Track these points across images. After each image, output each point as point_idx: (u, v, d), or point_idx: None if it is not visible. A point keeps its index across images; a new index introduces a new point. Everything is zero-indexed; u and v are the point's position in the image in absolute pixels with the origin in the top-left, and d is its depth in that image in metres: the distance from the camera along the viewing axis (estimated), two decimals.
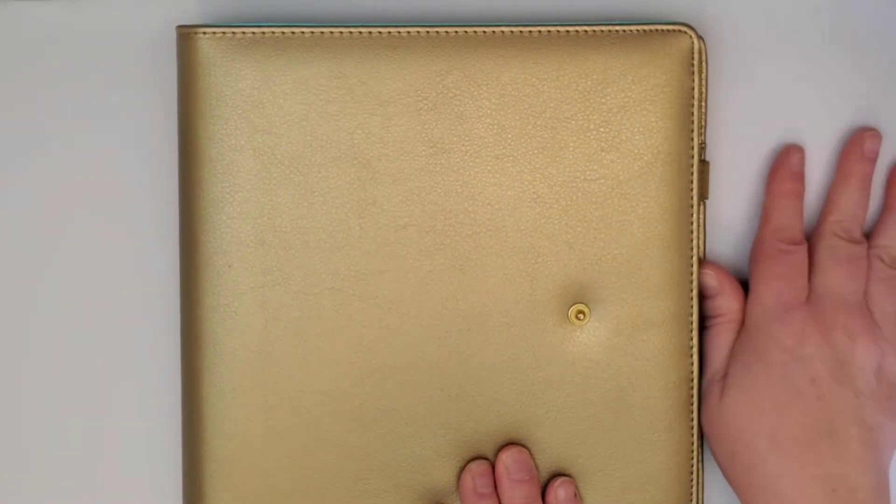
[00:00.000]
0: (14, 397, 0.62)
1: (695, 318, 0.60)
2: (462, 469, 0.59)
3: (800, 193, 0.61)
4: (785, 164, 0.61)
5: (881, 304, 0.60)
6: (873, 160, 0.61)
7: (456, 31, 0.58)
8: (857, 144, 0.61)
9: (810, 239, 0.61)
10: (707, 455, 0.62)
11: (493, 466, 0.59)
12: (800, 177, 0.61)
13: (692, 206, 0.59)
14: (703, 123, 0.59)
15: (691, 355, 0.60)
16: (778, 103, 0.62)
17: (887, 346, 0.59)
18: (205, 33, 0.58)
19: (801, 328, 0.59)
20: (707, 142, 0.61)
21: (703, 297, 0.61)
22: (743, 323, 0.60)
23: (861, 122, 0.62)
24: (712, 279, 0.61)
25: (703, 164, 0.59)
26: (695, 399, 0.60)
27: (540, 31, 0.58)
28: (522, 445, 0.59)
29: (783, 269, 0.60)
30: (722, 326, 0.61)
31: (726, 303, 0.61)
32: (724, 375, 0.60)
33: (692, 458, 0.60)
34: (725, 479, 0.60)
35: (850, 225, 0.60)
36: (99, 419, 0.62)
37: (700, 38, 0.59)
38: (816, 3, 0.62)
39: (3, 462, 0.62)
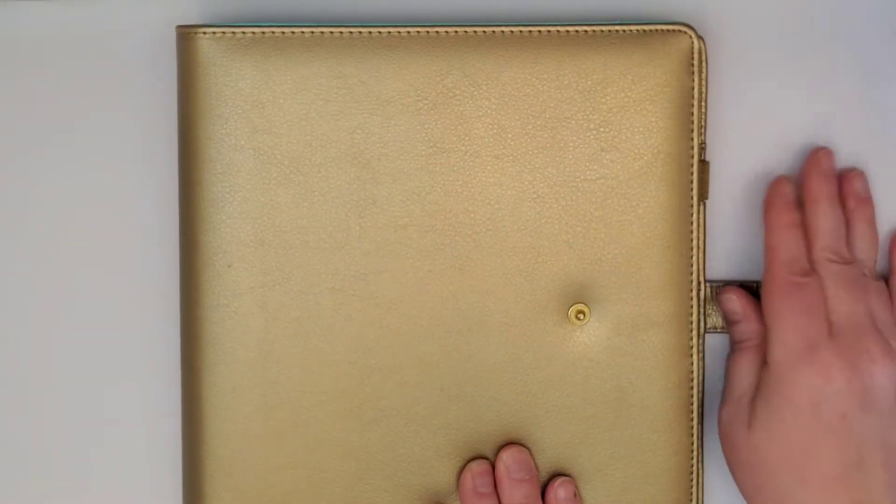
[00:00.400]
0: (14, 397, 0.62)
1: (695, 318, 0.60)
2: (462, 469, 0.59)
3: (799, 223, 0.60)
4: (779, 194, 0.61)
5: (882, 318, 0.60)
6: (834, 177, 0.61)
7: (456, 31, 0.58)
8: (816, 165, 0.61)
9: None
10: (707, 455, 0.62)
11: (493, 466, 0.59)
12: (795, 205, 0.61)
13: (692, 206, 0.59)
14: (703, 123, 0.59)
15: (691, 355, 0.60)
16: (778, 103, 0.62)
17: None
18: (205, 33, 0.58)
19: (828, 365, 0.58)
20: (707, 142, 0.61)
21: (727, 321, 0.61)
22: (765, 360, 0.60)
23: (860, 120, 0.62)
24: (735, 304, 0.60)
25: (703, 163, 0.59)
26: (695, 399, 0.60)
27: (540, 31, 0.58)
28: (522, 445, 0.59)
29: (801, 304, 0.59)
30: (748, 350, 0.60)
31: (751, 327, 0.60)
32: (751, 401, 0.60)
33: (692, 458, 0.60)
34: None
35: (837, 246, 0.60)
36: (99, 419, 0.62)
37: (700, 37, 0.59)
38: (816, 3, 0.62)
39: (2, 462, 0.62)
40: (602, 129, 0.59)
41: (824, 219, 0.60)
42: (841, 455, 0.58)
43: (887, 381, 0.58)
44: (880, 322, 0.60)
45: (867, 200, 0.61)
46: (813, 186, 0.61)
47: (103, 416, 0.62)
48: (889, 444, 0.58)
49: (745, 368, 0.60)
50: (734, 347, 0.61)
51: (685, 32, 0.59)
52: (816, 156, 0.61)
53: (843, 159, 0.62)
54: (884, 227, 0.62)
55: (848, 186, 0.61)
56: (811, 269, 0.60)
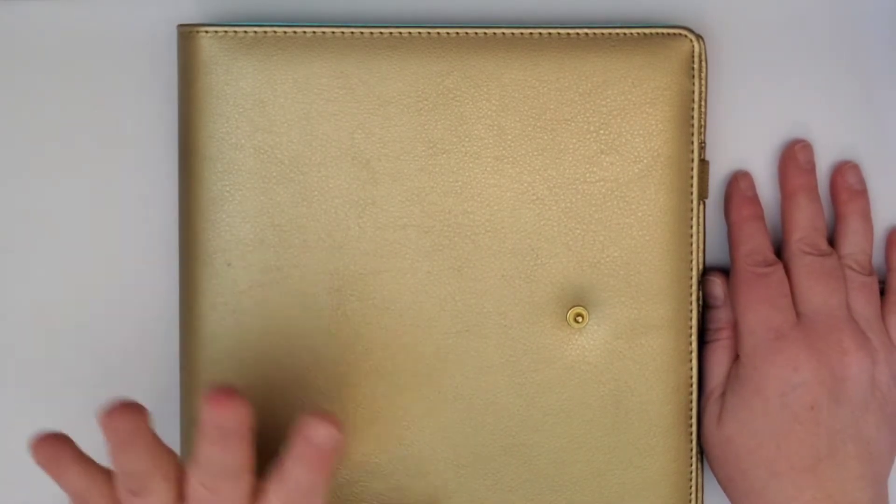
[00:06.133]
0: (14, 398, 0.62)
1: (694, 322, 0.60)
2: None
3: (759, 215, 0.61)
4: (736, 190, 0.61)
5: (863, 312, 0.60)
6: (812, 170, 0.61)
7: (457, 32, 0.58)
8: (793, 159, 0.61)
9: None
10: (706, 461, 0.61)
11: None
12: (754, 200, 0.61)
13: (692, 208, 0.59)
14: (703, 123, 0.59)
15: (690, 360, 0.60)
16: (778, 103, 0.62)
17: (877, 355, 0.59)
18: (206, 32, 0.58)
19: (795, 355, 0.58)
20: (707, 141, 0.61)
21: (704, 305, 0.61)
22: (737, 352, 0.60)
23: (858, 119, 0.62)
24: (718, 288, 0.60)
25: (703, 163, 0.59)
26: (694, 404, 0.60)
27: (541, 34, 0.58)
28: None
29: (765, 293, 0.59)
30: (722, 343, 0.60)
31: (727, 314, 0.60)
32: (722, 396, 0.60)
33: (691, 464, 0.60)
34: (726, 496, 0.60)
35: (814, 238, 0.60)
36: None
37: (701, 40, 0.59)
38: (815, 4, 0.62)
39: (2, 462, 0.62)
40: (602, 132, 0.59)
41: (801, 212, 0.61)
42: (810, 447, 0.58)
43: (861, 374, 0.58)
44: (859, 315, 0.60)
45: (861, 193, 0.61)
46: (789, 179, 0.61)
47: None
48: (864, 436, 0.58)
49: (718, 362, 0.60)
50: (709, 338, 0.61)
51: (685, 35, 0.59)
52: (793, 149, 0.61)
53: (842, 159, 0.63)
54: (882, 227, 0.63)
55: (841, 180, 0.61)
56: (775, 260, 0.60)
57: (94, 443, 0.63)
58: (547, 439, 0.59)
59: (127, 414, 0.52)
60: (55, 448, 0.53)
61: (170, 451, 0.54)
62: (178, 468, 0.54)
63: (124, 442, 0.52)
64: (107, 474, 0.54)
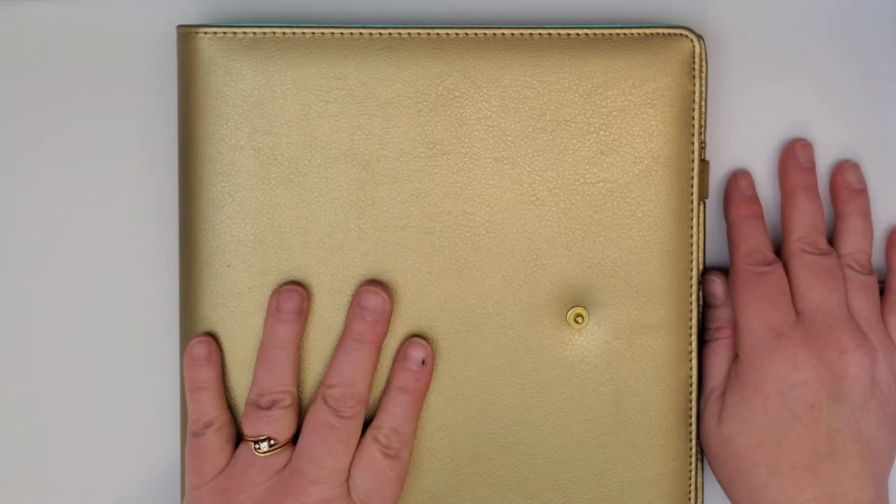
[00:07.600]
0: (13, 400, 0.62)
1: (694, 322, 0.60)
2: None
3: (759, 214, 0.61)
4: (736, 189, 0.61)
5: (863, 312, 0.60)
6: (812, 169, 0.61)
7: (457, 33, 0.58)
8: (793, 158, 0.61)
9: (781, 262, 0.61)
10: (705, 460, 0.61)
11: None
12: (754, 199, 0.61)
13: (692, 209, 0.59)
14: (703, 123, 0.59)
15: (690, 360, 0.60)
16: (778, 103, 0.62)
17: (876, 354, 0.59)
18: (205, 33, 0.58)
19: (794, 353, 0.58)
20: (707, 141, 0.61)
21: (705, 304, 0.61)
22: (737, 351, 0.60)
23: (859, 118, 0.62)
24: (718, 287, 0.60)
25: (704, 163, 0.59)
26: (693, 404, 0.60)
27: (541, 34, 0.58)
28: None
29: (764, 291, 0.59)
30: (722, 342, 0.60)
31: (727, 313, 0.60)
32: (722, 395, 0.60)
33: (690, 464, 0.60)
34: (725, 495, 0.60)
35: (813, 238, 0.60)
36: (99, 419, 0.62)
37: (701, 41, 0.59)
38: (816, 4, 0.62)
39: (3, 463, 0.62)
40: (602, 133, 0.59)
41: (801, 212, 0.61)
42: (810, 445, 0.58)
43: (861, 373, 0.58)
44: (858, 315, 0.60)
45: (860, 192, 0.61)
46: (789, 178, 0.61)
47: (103, 417, 0.62)
48: (864, 436, 0.58)
49: (718, 361, 0.60)
50: (709, 337, 0.61)
51: (686, 36, 0.59)
52: (793, 148, 0.61)
53: (842, 158, 0.62)
54: (882, 226, 0.63)
55: (840, 179, 0.61)
56: (775, 259, 0.60)
57: (92, 432, 0.63)
58: (547, 438, 0.60)
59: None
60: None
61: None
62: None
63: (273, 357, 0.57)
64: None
